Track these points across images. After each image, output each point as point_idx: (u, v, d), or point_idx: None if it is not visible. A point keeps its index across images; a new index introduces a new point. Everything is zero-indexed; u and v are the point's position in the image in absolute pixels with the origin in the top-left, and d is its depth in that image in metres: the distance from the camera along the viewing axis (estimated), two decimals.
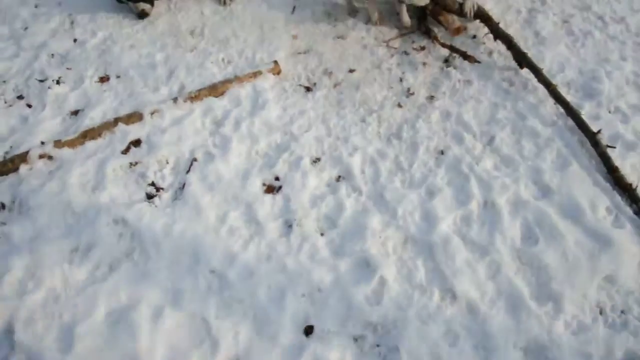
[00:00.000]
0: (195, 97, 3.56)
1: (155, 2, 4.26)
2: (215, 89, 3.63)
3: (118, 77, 3.77)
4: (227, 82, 3.67)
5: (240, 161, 3.23)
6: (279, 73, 3.79)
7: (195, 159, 3.23)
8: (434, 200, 2.94)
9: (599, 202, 2.87)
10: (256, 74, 3.73)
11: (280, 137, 3.38)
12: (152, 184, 3.13)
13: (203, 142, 3.33)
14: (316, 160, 3.23)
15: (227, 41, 4.03)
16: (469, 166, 3.11)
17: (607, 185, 2.96)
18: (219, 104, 3.55)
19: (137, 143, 3.33)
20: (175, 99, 3.53)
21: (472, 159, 3.15)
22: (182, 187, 3.09)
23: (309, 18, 4.24)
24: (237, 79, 3.69)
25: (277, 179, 3.14)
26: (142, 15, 4.17)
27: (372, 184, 3.09)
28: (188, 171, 3.17)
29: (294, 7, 4.32)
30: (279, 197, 3.04)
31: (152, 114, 3.46)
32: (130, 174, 3.16)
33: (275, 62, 3.81)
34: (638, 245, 2.69)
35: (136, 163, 3.21)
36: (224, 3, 4.33)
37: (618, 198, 2.90)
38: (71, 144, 3.28)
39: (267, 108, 3.53)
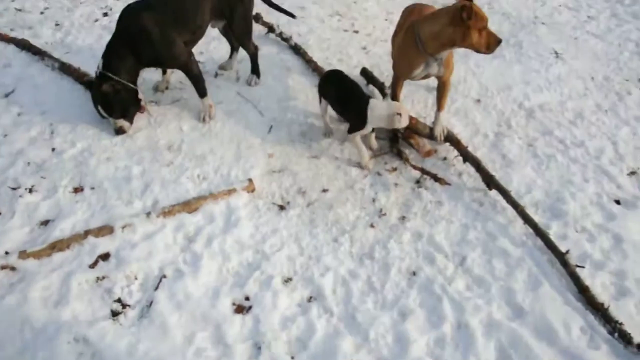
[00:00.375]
0: (168, 212, 3.57)
1: (135, 118, 4.36)
2: (189, 205, 3.65)
3: (92, 188, 3.77)
4: (201, 198, 3.71)
5: (210, 279, 3.19)
6: (253, 191, 3.86)
7: (164, 276, 3.18)
8: (407, 322, 2.94)
9: (572, 323, 2.92)
10: (230, 192, 3.78)
11: (252, 255, 3.37)
12: (119, 300, 3.04)
13: (173, 258, 3.30)
14: (287, 280, 3.22)
15: (204, 157, 4.12)
16: (441, 287, 3.15)
17: (579, 305, 3.03)
18: (192, 220, 3.56)
19: (105, 257, 3.27)
20: (148, 214, 3.53)
21: (444, 280, 3.20)
22: (150, 304, 3.01)
23: (285, 137, 4.40)
24: (212, 196, 3.73)
25: (247, 298, 3.10)
26: (120, 132, 4.25)
27: (343, 305, 3.07)
28: (156, 288, 3.11)
29: (271, 127, 4.49)
30: (248, 317, 2.99)
31: (123, 227, 3.44)
32: (96, 289, 3.08)
33: (250, 180, 3.89)
34: None
35: (103, 278, 3.14)
36: (204, 120, 4.47)
37: (591, 317, 2.97)
38: (37, 255, 3.20)
39: (240, 226, 3.55)
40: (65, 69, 4.98)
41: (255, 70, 5.04)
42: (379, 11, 6.85)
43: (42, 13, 6.42)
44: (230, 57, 5.28)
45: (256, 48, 4.98)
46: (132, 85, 4.23)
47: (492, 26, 6.38)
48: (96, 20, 6.22)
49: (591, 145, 4.46)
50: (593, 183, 4.04)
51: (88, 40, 5.74)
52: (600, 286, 3.18)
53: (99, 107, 4.16)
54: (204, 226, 3.53)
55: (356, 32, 6.27)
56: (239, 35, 4.77)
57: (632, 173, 4.18)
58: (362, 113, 3.92)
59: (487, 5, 7.16)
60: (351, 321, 2.97)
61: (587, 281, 3.16)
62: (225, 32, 5.06)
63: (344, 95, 4.10)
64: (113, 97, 4.11)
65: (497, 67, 5.56)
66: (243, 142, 4.31)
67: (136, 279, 3.17)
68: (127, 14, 4.17)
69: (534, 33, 6.41)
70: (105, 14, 6.37)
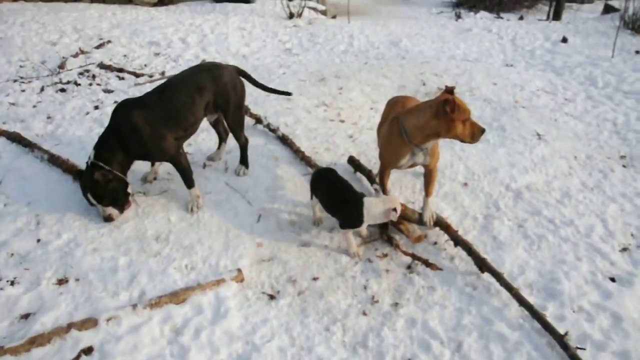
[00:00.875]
0: (155, 303, 3.46)
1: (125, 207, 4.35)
2: (177, 296, 3.55)
3: (77, 280, 3.67)
4: (189, 289, 3.62)
5: None
6: (242, 281, 3.78)
7: None
8: None
9: None
10: (219, 282, 3.70)
11: (242, 347, 3.25)
12: None
13: (160, 351, 3.16)
14: None
15: (192, 247, 4.06)
16: None
17: None
18: (180, 312, 3.45)
19: (88, 351, 3.13)
20: (134, 306, 3.42)
21: None
22: None
23: (274, 226, 4.37)
24: (200, 287, 3.64)
25: None
26: (108, 219, 4.23)
27: None
28: None
29: (259, 216, 4.47)
30: None
31: (108, 320, 3.32)
32: None
33: (239, 269, 3.82)
34: None
35: None
36: (191, 210, 4.45)
37: None
38: (15, 351, 3.05)
39: (229, 317, 3.44)
40: (55, 161, 5.01)
41: (244, 160, 5.10)
42: (364, 101, 7.07)
43: (34, 107, 6.56)
44: (219, 148, 5.35)
45: (247, 140, 5.06)
46: (122, 176, 4.25)
47: (475, 111, 6.68)
48: (87, 113, 6.35)
49: (581, 224, 4.48)
50: (586, 261, 4.03)
51: (78, 133, 5.82)
52: None
53: (89, 195, 4.15)
54: (192, 317, 3.41)
55: (342, 121, 6.43)
56: (232, 126, 4.86)
57: (624, 249, 4.19)
58: (359, 213, 3.92)
59: (469, 92, 7.45)
60: None
61: None
62: (215, 124, 5.16)
63: (337, 196, 4.10)
64: (104, 185, 4.12)
65: (483, 151, 5.69)
66: (231, 231, 4.27)
67: None
68: (120, 110, 4.27)
69: (515, 117, 6.62)
70: (97, 107, 6.52)
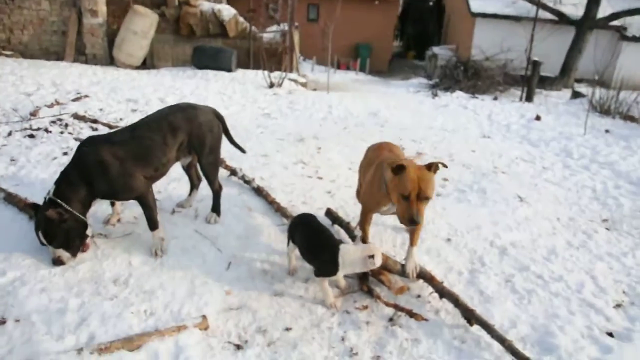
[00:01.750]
0: (105, 349, 3.04)
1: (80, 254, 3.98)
2: (131, 342, 3.13)
3: (17, 321, 3.23)
4: (145, 335, 3.21)
5: None
6: (206, 328, 3.39)
7: None
8: None
9: None
10: (180, 328, 3.30)
11: None
12: None
13: None
14: None
15: (153, 293, 3.67)
16: None
17: None
18: (133, 359, 3.03)
19: None
20: (79, 350, 3.00)
21: None
22: None
23: (245, 275, 4.02)
24: (158, 333, 3.24)
25: None
26: (57, 262, 3.84)
27: None
28: None
29: (229, 264, 4.13)
30: None
31: None
32: None
33: (204, 316, 3.44)
34: None
35: None
36: (155, 254, 4.09)
37: None
38: None
39: None
40: (11, 199, 4.65)
41: (216, 208, 4.81)
42: (342, 161, 6.92)
43: None
44: (190, 194, 5.06)
45: (220, 187, 4.80)
46: (81, 217, 3.90)
47: (454, 175, 6.56)
48: (54, 159, 6.04)
49: (570, 280, 4.26)
50: (580, 316, 3.76)
51: (42, 175, 5.49)
52: None
53: (40, 233, 3.77)
54: None
55: (320, 178, 6.23)
56: (206, 170, 4.60)
57: (618, 305, 3.97)
58: (334, 260, 3.63)
59: (448, 157, 7.37)
60: None
61: None
62: (188, 169, 4.90)
63: (313, 241, 3.81)
64: (57, 224, 3.75)
65: (464, 210, 5.51)
66: (198, 278, 3.91)
67: None
68: (86, 145, 3.99)
69: (496, 181, 6.51)
70: (65, 153, 6.23)
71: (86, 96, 9.69)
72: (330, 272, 3.67)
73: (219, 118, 4.67)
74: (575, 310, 3.87)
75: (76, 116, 8.03)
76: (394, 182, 3.56)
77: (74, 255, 3.92)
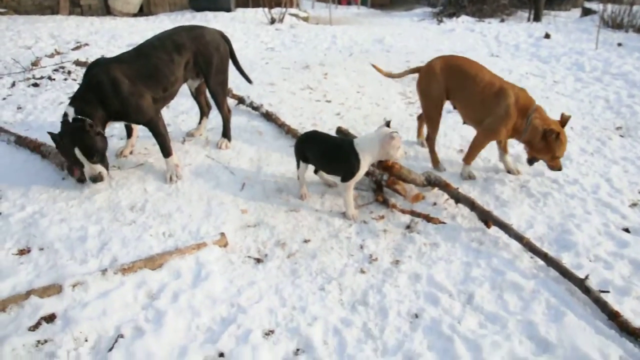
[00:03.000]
0: (128, 269, 3.09)
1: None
2: (153, 261, 3.18)
3: (41, 249, 3.29)
4: (166, 254, 3.25)
5: (177, 337, 2.68)
6: (225, 245, 3.43)
7: (121, 335, 2.66)
8: None
9: (610, 352, 2.50)
10: (200, 246, 3.34)
11: (226, 309, 2.89)
12: None
13: (133, 316, 2.79)
14: (269, 333, 2.72)
15: (170, 216, 3.71)
16: (451, 327, 2.68)
17: (613, 333, 2.62)
18: (155, 277, 3.08)
19: (50, 318, 2.74)
20: (104, 271, 3.05)
21: (452, 319, 2.74)
22: None
23: (260, 194, 4.04)
24: (178, 251, 3.28)
25: (221, 355, 2.59)
26: (98, 179, 3.81)
27: (337, 355, 2.57)
28: (111, 349, 2.58)
29: (243, 184, 4.14)
30: None
31: (74, 286, 2.94)
32: (36, 354, 2.52)
33: (222, 234, 3.47)
34: None
35: (45, 341, 2.59)
36: (170, 180, 4.10)
37: (630, 345, 2.54)
38: None
39: (211, 280, 3.08)
40: (22, 142, 4.64)
41: (226, 133, 4.78)
42: (349, 85, 6.81)
43: (4, 99, 6.18)
44: (200, 122, 5.03)
45: (230, 111, 4.76)
46: (103, 133, 3.89)
47: None
48: (61, 103, 6.00)
49: (586, 182, 4.25)
50: (596, 215, 3.77)
51: (50, 119, 5.47)
52: (630, 312, 2.78)
53: (77, 150, 3.68)
54: (169, 282, 3.05)
55: (328, 101, 6.16)
56: (215, 91, 4.54)
57: (634, 205, 3.97)
58: (353, 154, 3.59)
59: None
60: None
61: (615, 307, 2.75)
62: (197, 95, 4.85)
63: (327, 149, 3.77)
64: (93, 137, 3.71)
65: None
66: (213, 199, 3.93)
67: (86, 340, 2.63)
68: (96, 66, 3.93)
69: None
70: None
71: (86, 44, 9.54)
72: (353, 169, 3.61)
73: (226, 40, 4.59)
74: (592, 209, 3.87)
75: (78, 63, 7.92)
76: (549, 143, 3.87)
77: (107, 170, 3.92)
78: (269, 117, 5.35)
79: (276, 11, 13.46)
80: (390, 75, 4.86)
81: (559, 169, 4.05)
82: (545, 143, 3.88)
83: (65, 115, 3.79)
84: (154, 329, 2.70)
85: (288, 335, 2.71)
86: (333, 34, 11.32)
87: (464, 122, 4.40)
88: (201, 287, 3.02)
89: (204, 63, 4.33)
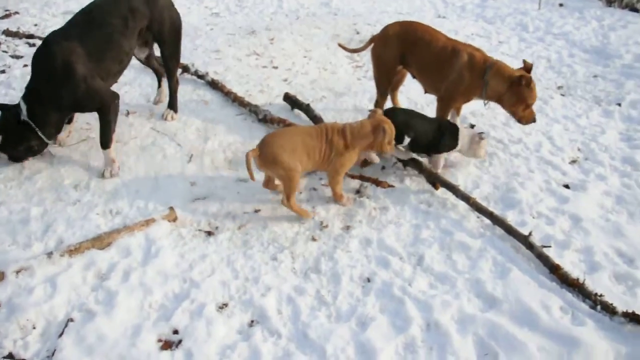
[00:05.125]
0: (74, 250, 3.02)
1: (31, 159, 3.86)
2: (100, 241, 3.11)
3: None
4: (114, 232, 3.19)
5: (129, 316, 2.66)
6: (175, 220, 3.38)
7: (71, 319, 2.61)
8: (368, 331, 2.52)
9: (551, 303, 2.66)
10: (149, 222, 3.29)
11: (179, 285, 2.87)
12: (10, 356, 2.44)
13: (82, 299, 2.75)
14: (223, 306, 2.73)
15: (117, 192, 3.62)
16: (402, 289, 2.76)
17: (554, 285, 2.79)
18: (104, 256, 3.02)
19: None
20: (49, 254, 2.96)
21: (403, 282, 2.83)
22: (52, 354, 2.43)
23: (208, 166, 3.98)
24: (127, 229, 3.22)
25: (175, 332, 2.59)
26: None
27: (292, 324, 2.61)
28: (61, 334, 2.53)
29: (191, 156, 4.06)
30: (179, 353, 2.49)
31: (17, 272, 2.85)
32: None
33: (171, 208, 3.42)
34: (606, 340, 2.46)
35: None
36: (104, 175, 3.80)
37: (569, 295, 2.72)
38: None
39: (162, 256, 3.05)
40: None
41: (172, 104, 4.65)
42: (296, 50, 6.71)
43: None
44: (160, 85, 4.86)
45: (177, 81, 4.63)
46: (46, 141, 3.77)
47: None
48: None
49: (529, 141, 4.38)
50: (539, 172, 3.91)
51: None
52: (570, 264, 2.96)
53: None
54: (119, 261, 3.00)
55: (275, 67, 6.06)
56: (169, 58, 4.41)
57: (574, 161, 4.14)
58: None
59: None
60: (303, 340, 2.52)
61: (556, 261, 2.90)
62: (148, 60, 4.68)
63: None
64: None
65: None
66: (160, 173, 3.85)
67: (34, 328, 2.58)
68: (46, 46, 3.61)
69: None
70: (3, 71, 5.86)
71: (16, 13, 9.02)
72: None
73: None
74: (534, 167, 4.01)
75: (8, 33, 7.48)
76: (519, 92, 3.85)
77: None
78: (214, 85, 5.23)
79: None
80: (355, 51, 4.82)
81: (533, 119, 4.02)
82: (515, 93, 3.86)
83: (18, 112, 3.63)
84: (105, 310, 2.67)
85: (242, 308, 2.73)
86: None
87: (425, 92, 4.38)
88: (152, 263, 2.99)
89: (158, 30, 4.15)
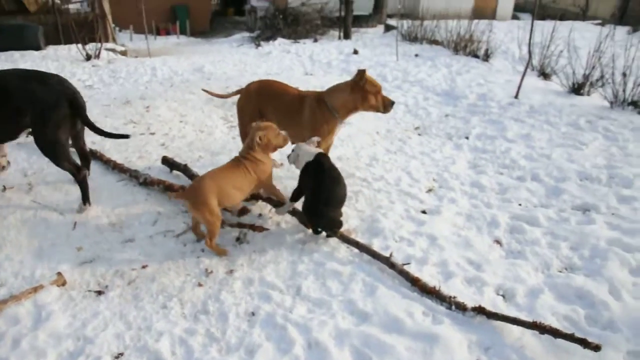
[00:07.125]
0: None
1: None
2: None
3: None
4: (0, 303, 3.23)
5: None
6: (64, 284, 3.48)
7: None
8: (256, 357, 2.80)
9: (413, 310, 3.11)
10: (37, 289, 3.36)
11: (73, 343, 2.98)
12: None
13: None
14: (119, 356, 2.88)
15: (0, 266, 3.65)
16: (284, 317, 3.11)
17: (416, 295, 3.26)
18: None
19: None
20: None
21: (285, 311, 3.17)
22: None
23: (93, 230, 4.11)
24: (13, 298, 3.27)
25: None
26: None
27: None
28: None
29: (75, 223, 4.18)
30: None
31: None
32: None
33: (59, 273, 3.52)
34: (460, 332, 2.93)
35: None
36: None
37: (428, 301, 3.20)
38: None
39: (53, 319, 3.14)
40: None
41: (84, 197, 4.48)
42: (172, 116, 7.02)
43: None
44: None
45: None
46: None
47: None
48: None
49: (390, 177, 4.97)
50: (399, 203, 4.46)
51: None
52: (429, 276, 3.46)
53: None
54: (7, 330, 3.05)
55: (152, 133, 6.31)
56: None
57: (430, 190, 4.76)
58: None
59: None
60: None
61: (416, 275, 3.39)
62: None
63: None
64: None
65: None
66: (45, 243, 3.93)
67: None
68: None
69: None
70: None
71: None
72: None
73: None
74: (395, 199, 4.56)
75: None
76: (363, 87, 4.21)
77: None
78: (93, 155, 5.37)
79: (91, 47, 13.08)
80: (221, 96, 5.19)
81: (390, 102, 4.36)
82: (358, 91, 4.25)
83: None
84: None
85: (137, 354, 2.88)
86: (153, 66, 11.35)
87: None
88: (43, 327, 3.07)
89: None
